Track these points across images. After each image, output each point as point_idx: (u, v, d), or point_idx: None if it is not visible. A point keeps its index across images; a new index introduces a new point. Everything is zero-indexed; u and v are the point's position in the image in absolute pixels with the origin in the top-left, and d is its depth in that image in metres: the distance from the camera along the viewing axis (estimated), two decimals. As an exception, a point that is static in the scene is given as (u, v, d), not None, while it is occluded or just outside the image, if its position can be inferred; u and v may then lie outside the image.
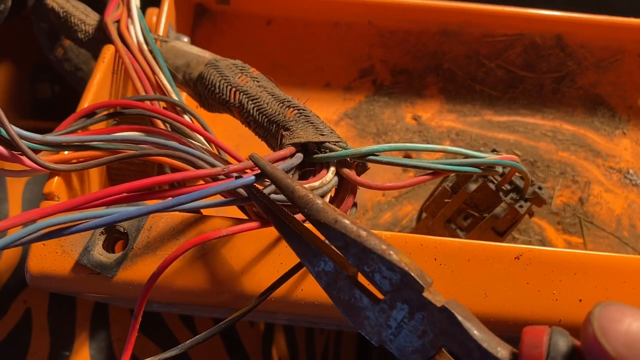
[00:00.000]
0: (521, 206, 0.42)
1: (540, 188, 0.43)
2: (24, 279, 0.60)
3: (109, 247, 0.33)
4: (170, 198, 0.31)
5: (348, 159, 0.35)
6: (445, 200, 0.44)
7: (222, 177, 0.33)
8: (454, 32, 0.59)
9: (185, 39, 0.49)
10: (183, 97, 0.44)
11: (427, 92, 0.57)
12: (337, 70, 0.58)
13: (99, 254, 0.32)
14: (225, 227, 0.33)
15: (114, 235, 0.33)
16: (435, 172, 0.35)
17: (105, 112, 0.38)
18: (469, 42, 0.59)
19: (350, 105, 0.57)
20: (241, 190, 0.32)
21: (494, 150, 0.45)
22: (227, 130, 0.52)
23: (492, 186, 0.42)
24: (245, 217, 0.36)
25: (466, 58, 0.59)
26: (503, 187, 0.42)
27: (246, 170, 0.33)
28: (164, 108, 0.39)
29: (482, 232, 0.43)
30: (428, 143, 0.56)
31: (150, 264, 0.32)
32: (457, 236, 0.44)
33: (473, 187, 0.42)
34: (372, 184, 0.34)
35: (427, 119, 0.56)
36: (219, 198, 0.31)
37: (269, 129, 0.37)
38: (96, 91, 0.39)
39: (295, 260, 0.32)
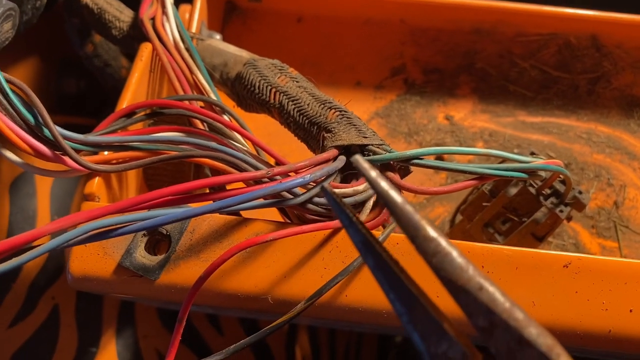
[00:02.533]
0: (561, 211, 0.41)
1: (580, 192, 0.42)
2: (52, 275, 0.61)
3: (150, 249, 0.33)
4: (211, 202, 0.31)
5: (392, 162, 0.34)
6: (484, 203, 0.43)
7: (265, 179, 0.32)
8: (487, 31, 0.58)
9: (218, 37, 0.49)
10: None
11: (460, 92, 0.57)
12: (368, 68, 0.57)
13: (142, 256, 0.32)
14: (269, 230, 0.32)
15: (156, 238, 0.33)
16: (482, 177, 0.34)
17: (144, 112, 0.37)
18: (502, 42, 0.58)
19: (381, 104, 0.56)
20: (285, 193, 0.32)
21: (532, 153, 0.44)
22: (257, 129, 0.52)
23: (532, 190, 0.41)
24: (282, 219, 0.35)
25: (499, 57, 0.58)
26: (543, 192, 0.42)
27: (289, 174, 0.33)
28: (201, 108, 0.38)
29: (521, 237, 0.42)
30: (461, 144, 0.55)
31: (193, 267, 0.32)
32: (495, 240, 0.43)
33: (513, 191, 0.41)
34: (418, 188, 0.33)
35: (460, 119, 0.55)
36: (259, 200, 0.31)
37: (310, 131, 0.36)
38: (134, 90, 0.38)
39: (339, 266, 0.31)
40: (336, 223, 0.32)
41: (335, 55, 0.58)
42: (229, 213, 0.33)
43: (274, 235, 0.29)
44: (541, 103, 0.56)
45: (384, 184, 0.19)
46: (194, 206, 0.31)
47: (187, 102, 0.38)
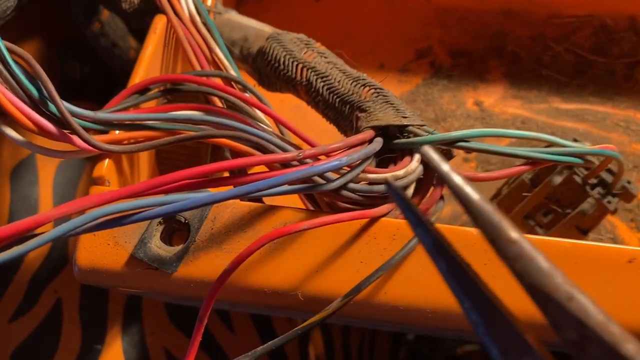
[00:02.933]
0: (609, 202, 0.38)
1: (629, 182, 0.39)
2: (55, 267, 0.57)
3: (167, 239, 0.30)
4: (232, 187, 0.27)
5: (436, 145, 0.31)
6: (524, 194, 0.40)
7: (295, 162, 0.29)
8: (517, 11, 0.55)
9: (234, 13, 0.45)
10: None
11: (490, 76, 0.53)
12: (391, 51, 0.54)
13: (157, 246, 0.29)
14: (298, 219, 0.29)
15: (173, 226, 0.30)
16: (535, 162, 0.31)
17: (159, 89, 0.34)
18: (534, 23, 0.55)
19: (406, 89, 0.53)
20: (317, 178, 0.28)
21: (575, 140, 0.40)
22: (277, 110, 0.48)
23: (578, 179, 0.38)
24: (306, 207, 0.32)
25: (531, 40, 0.54)
26: (589, 181, 0.38)
27: (319, 157, 0.29)
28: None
29: (565, 229, 0.39)
30: (490, 131, 0.51)
31: (215, 260, 0.28)
32: (536, 233, 0.40)
33: (558, 179, 0.38)
34: (465, 174, 0.30)
35: (490, 105, 0.52)
36: (287, 185, 0.28)
37: (341, 111, 0.33)
38: (148, 65, 0.35)
39: (377, 259, 0.28)
40: (374, 212, 0.29)
41: (356, 37, 0.55)
42: (253, 200, 0.29)
43: (307, 224, 0.26)
44: (576, 89, 0.53)
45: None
46: (215, 191, 0.28)
47: (205, 78, 0.34)
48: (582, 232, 0.39)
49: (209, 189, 0.28)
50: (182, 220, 0.29)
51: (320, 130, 0.39)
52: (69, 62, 0.72)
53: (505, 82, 0.53)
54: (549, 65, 0.54)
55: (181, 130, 0.32)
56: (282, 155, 0.28)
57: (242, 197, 0.26)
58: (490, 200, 0.47)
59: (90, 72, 0.71)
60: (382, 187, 0.29)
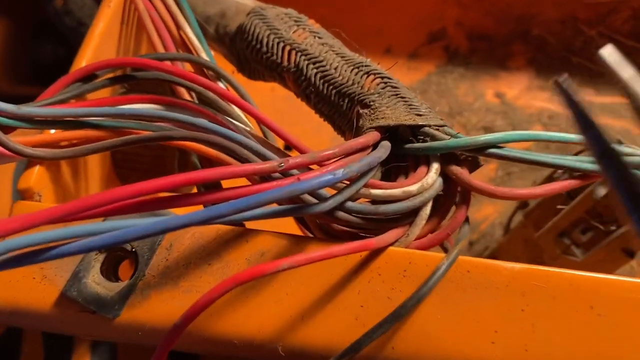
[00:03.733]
0: (664, 219, 0.31)
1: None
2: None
3: (109, 271, 0.23)
4: (201, 206, 0.21)
5: (458, 152, 0.24)
6: (558, 206, 0.33)
7: (277, 174, 0.22)
8: (545, -11, 0.47)
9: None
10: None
11: (513, 64, 0.46)
12: (400, 32, 0.47)
13: (95, 282, 0.22)
14: (280, 250, 0.22)
15: (118, 255, 0.23)
16: (586, 176, 0.24)
17: (110, 75, 0.27)
18: (564, 4, 0.47)
19: (416, 77, 0.46)
20: (307, 197, 0.22)
21: (619, 142, 0.33)
22: (263, 103, 0.41)
23: (626, 191, 0.31)
24: (301, 232, 0.25)
25: (560, 23, 0.47)
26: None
27: (311, 167, 0.22)
28: (189, 72, 0.28)
29: (608, 251, 0.32)
30: (514, 127, 0.45)
31: (170, 301, 0.22)
32: (572, 254, 0.33)
33: (601, 191, 0.31)
34: (498, 191, 0.23)
35: (513, 97, 0.45)
36: (268, 207, 0.21)
37: (338, 105, 0.26)
38: (98, 46, 0.28)
39: (384, 305, 0.22)
40: (379, 241, 0.22)
41: (359, 16, 0.47)
42: (225, 224, 0.23)
43: (288, 262, 0.19)
44: (611, 80, 0.46)
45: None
46: (176, 212, 0.22)
47: (169, 63, 0.28)
48: (629, 255, 0.32)
49: (169, 209, 0.22)
50: (129, 248, 0.23)
51: (318, 123, 0.32)
52: (40, 45, 0.65)
53: (530, 70, 0.46)
54: (581, 51, 0.46)
55: (134, 130, 0.25)
56: (258, 166, 0.21)
57: (205, 222, 0.20)
58: (515, 212, 0.41)
59: (65, 55, 0.64)
60: (389, 208, 0.22)
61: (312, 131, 0.39)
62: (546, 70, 0.46)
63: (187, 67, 0.29)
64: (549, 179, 0.36)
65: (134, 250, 0.23)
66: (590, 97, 0.45)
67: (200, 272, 0.22)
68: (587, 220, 0.33)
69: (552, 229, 0.33)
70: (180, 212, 0.22)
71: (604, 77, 0.46)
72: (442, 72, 0.46)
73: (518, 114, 0.45)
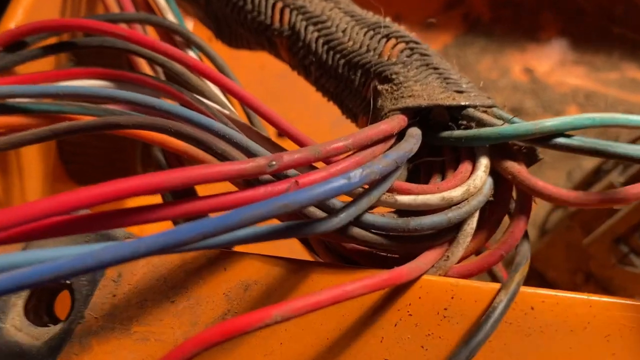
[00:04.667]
0: None
1: None
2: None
3: (39, 311, 0.17)
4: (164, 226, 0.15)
5: (513, 142, 0.17)
6: (615, 206, 0.27)
7: (266, 176, 0.16)
8: (579, -53, 0.41)
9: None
10: (190, 26, 0.27)
11: (543, 35, 0.40)
12: (411, -2, 0.40)
13: (16, 328, 0.16)
14: (270, 281, 0.16)
15: (49, 289, 0.17)
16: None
17: (46, 42, 0.21)
18: (601, -37, 0.41)
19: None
20: (314, 210, 0.15)
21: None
22: (250, 81, 0.35)
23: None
24: (305, 253, 0.19)
25: (598, -14, 0.41)
26: None
27: (313, 165, 0.16)
28: (151, 38, 0.21)
29: (678, 261, 0.26)
30: (544, 108, 0.38)
31: (118, 352, 0.15)
32: (630, 264, 0.27)
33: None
34: (573, 197, 0.17)
35: (544, 74, 0.39)
36: (254, 226, 0.15)
37: (348, 80, 0.20)
38: (32, 3, 0.21)
39: (415, 353, 0.15)
40: (410, 270, 0.15)
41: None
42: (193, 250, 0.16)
43: (281, 312, 0.13)
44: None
45: None
46: (131, 233, 0.16)
47: (124, 27, 0.21)
48: (702, 265, 0.26)
49: (122, 228, 0.15)
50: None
51: (317, 106, 0.26)
52: None
53: (563, 42, 0.40)
54: (622, 20, 0.40)
55: (75, 115, 0.19)
56: (236, 166, 0.14)
57: (165, 251, 0.13)
58: (553, 211, 0.34)
59: None
60: (424, 222, 0.16)
61: (311, 116, 0.33)
62: (582, 42, 0.40)
63: (151, 33, 0.23)
64: (597, 172, 0.30)
65: (69, 283, 0.16)
66: (634, 73, 0.39)
67: (160, 312, 0.16)
68: (651, 223, 0.26)
69: (607, 234, 0.27)
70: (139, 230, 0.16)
71: (649, 50, 0.40)
72: (460, 44, 0.39)
73: (549, 93, 0.38)
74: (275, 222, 0.15)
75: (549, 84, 0.39)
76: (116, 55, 0.24)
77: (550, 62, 0.39)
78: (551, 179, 0.36)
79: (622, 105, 0.38)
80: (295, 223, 0.15)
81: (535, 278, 0.32)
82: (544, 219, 0.33)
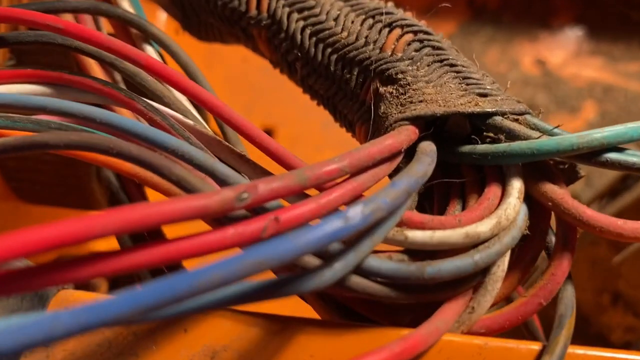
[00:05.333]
0: None
1: None
2: None
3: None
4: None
5: (553, 159, 0.14)
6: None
7: (240, 211, 0.12)
8: None
9: None
10: (160, 23, 0.23)
11: (556, 22, 0.36)
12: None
13: None
14: (249, 343, 0.12)
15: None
16: None
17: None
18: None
19: (432, 42, 0.35)
20: (310, 259, 0.12)
21: None
22: (232, 76, 0.31)
23: None
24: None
25: (615, -32, 0.37)
26: None
27: (300, 195, 0.12)
28: (102, 34, 0.17)
29: None
30: (557, 104, 0.35)
31: None
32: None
33: None
34: (628, 229, 0.13)
35: (557, 66, 0.35)
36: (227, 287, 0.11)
37: (342, 80, 0.16)
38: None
39: None
40: (430, 332, 0.12)
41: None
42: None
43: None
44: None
45: None
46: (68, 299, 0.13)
47: (69, 18, 0.17)
48: None
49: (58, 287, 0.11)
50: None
51: (306, 104, 0.22)
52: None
53: (578, 30, 0.36)
54: (642, 5, 0.36)
55: (6, 130, 0.15)
56: (197, 202, 0.10)
57: (112, 323, 0.09)
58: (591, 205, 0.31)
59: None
60: (444, 268, 0.12)
61: (300, 115, 0.29)
62: (599, 30, 0.36)
63: (102, 25, 0.19)
64: (624, 179, 0.26)
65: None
66: (655, 64, 0.35)
67: (102, 392, 0.12)
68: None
69: (642, 252, 0.24)
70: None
71: (672, 38, 0.36)
72: (465, 32, 0.36)
73: (563, 87, 0.35)
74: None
75: (562, 77, 0.35)
76: (64, 54, 0.20)
77: (564, 53, 0.36)
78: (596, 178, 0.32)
79: (644, 100, 0.35)
80: (276, 280, 0.11)
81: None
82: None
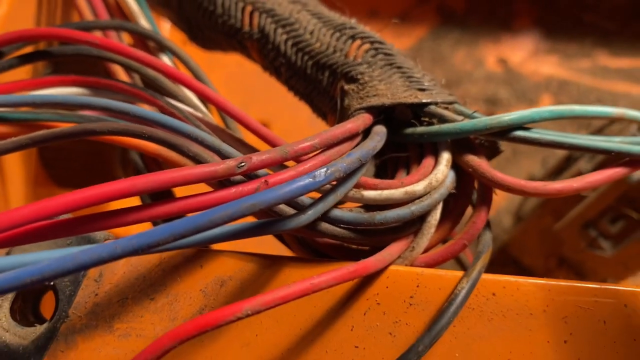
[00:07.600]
0: None
1: None
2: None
3: (25, 311, 0.17)
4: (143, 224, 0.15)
5: (473, 137, 0.18)
6: (584, 193, 0.28)
7: (238, 177, 0.16)
8: (550, -62, 0.41)
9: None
10: (166, 28, 0.27)
11: (517, 24, 0.40)
12: (387, -7, 0.41)
13: (3, 328, 0.17)
14: (241, 277, 0.17)
15: (34, 291, 0.17)
16: (634, 161, 0.19)
17: (23, 51, 0.21)
18: (572, -47, 0.42)
19: (406, 43, 0.40)
20: (283, 207, 0.16)
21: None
22: (230, 80, 0.35)
23: (666, 171, 0.26)
24: (282, 247, 0.20)
25: (569, -25, 0.41)
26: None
27: (284, 164, 0.17)
28: (125, 45, 0.22)
29: (643, 243, 0.27)
30: (518, 98, 0.39)
31: (102, 349, 0.16)
32: (599, 248, 0.28)
33: (638, 175, 0.26)
34: (529, 187, 0.17)
35: (518, 64, 0.39)
36: (228, 225, 0.15)
37: (317, 81, 0.20)
38: (7, 12, 0.22)
39: (385, 344, 0.16)
40: (376, 261, 0.16)
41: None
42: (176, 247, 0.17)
43: (252, 305, 0.14)
44: (630, 40, 0.40)
45: None
46: (110, 235, 0.17)
47: (99, 34, 0.22)
48: (667, 246, 0.27)
49: (103, 229, 0.16)
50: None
51: (296, 100, 0.26)
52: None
53: (536, 32, 0.40)
54: (595, 8, 0.41)
55: (51, 122, 0.19)
56: (206, 168, 0.15)
57: (140, 252, 0.14)
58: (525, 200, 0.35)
59: None
60: (389, 215, 0.17)
61: (289, 111, 0.33)
62: (555, 31, 0.41)
63: (127, 38, 0.23)
64: (568, 160, 0.31)
65: (52, 283, 0.17)
66: (606, 61, 0.40)
67: (140, 309, 0.17)
68: (617, 209, 0.27)
69: (576, 219, 0.28)
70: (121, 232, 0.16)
71: (621, 37, 0.41)
72: (435, 36, 0.40)
73: (523, 82, 0.39)
74: (251, 219, 0.16)
75: (522, 73, 0.39)
76: (93, 62, 0.24)
77: (523, 52, 0.40)
78: (526, 166, 0.37)
79: (594, 93, 0.39)
80: (266, 221, 0.16)
81: (512, 264, 0.33)
82: (519, 208, 0.34)
